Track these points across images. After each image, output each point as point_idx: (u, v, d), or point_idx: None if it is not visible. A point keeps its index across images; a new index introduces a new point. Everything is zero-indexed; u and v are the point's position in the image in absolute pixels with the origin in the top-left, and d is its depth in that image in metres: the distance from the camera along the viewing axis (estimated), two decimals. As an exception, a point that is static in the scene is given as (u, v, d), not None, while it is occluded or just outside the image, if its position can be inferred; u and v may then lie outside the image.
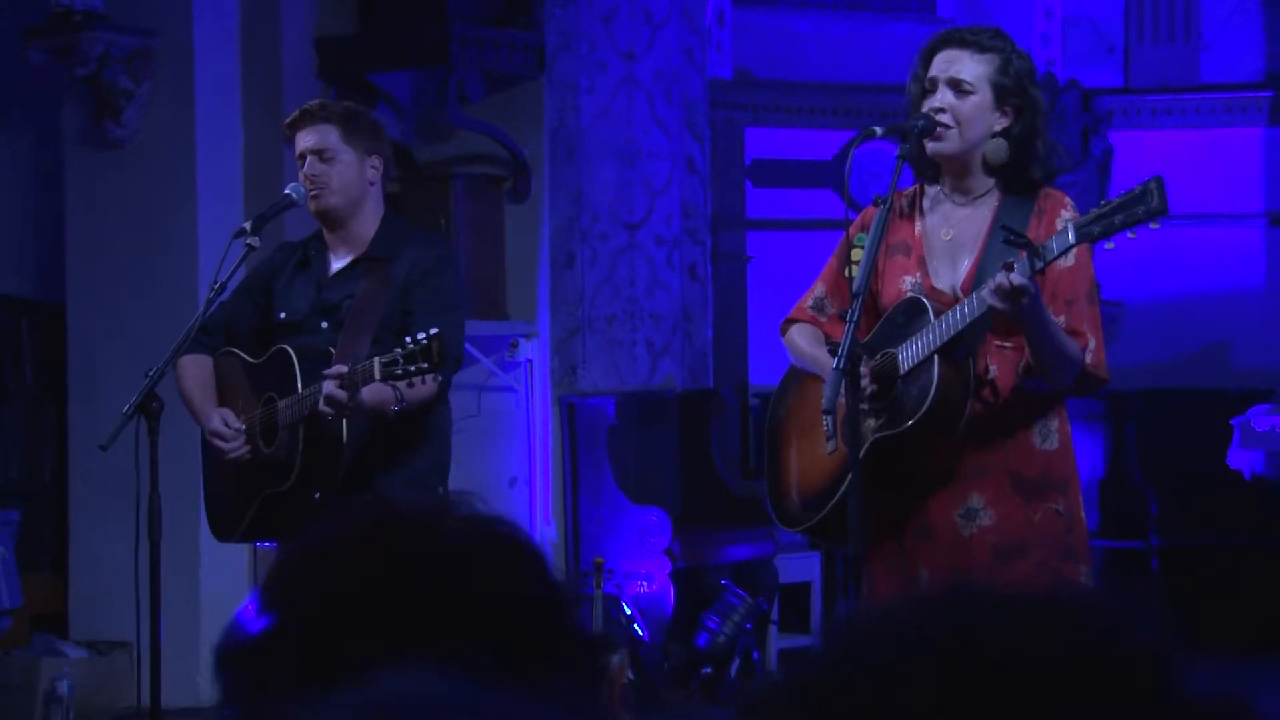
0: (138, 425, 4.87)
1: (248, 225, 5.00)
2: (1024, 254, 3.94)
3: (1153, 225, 3.90)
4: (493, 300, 7.95)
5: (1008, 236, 4.01)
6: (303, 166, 5.03)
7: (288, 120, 5.14)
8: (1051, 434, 4.20)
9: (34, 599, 7.63)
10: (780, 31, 9.76)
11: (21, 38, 7.66)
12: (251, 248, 4.97)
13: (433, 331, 4.50)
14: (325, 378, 4.67)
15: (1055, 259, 3.96)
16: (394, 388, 4.66)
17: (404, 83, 8.05)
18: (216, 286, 4.96)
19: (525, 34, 7.98)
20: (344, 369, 4.63)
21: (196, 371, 5.12)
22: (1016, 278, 3.89)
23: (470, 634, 1.18)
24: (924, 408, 4.08)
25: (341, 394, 4.61)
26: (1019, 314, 3.95)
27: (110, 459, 4.99)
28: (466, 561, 1.21)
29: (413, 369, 4.50)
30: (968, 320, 4.04)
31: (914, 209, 4.32)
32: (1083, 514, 4.27)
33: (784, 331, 4.47)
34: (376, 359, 4.55)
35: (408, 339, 4.53)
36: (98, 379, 7.57)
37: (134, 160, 7.66)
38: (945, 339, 4.07)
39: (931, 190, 4.32)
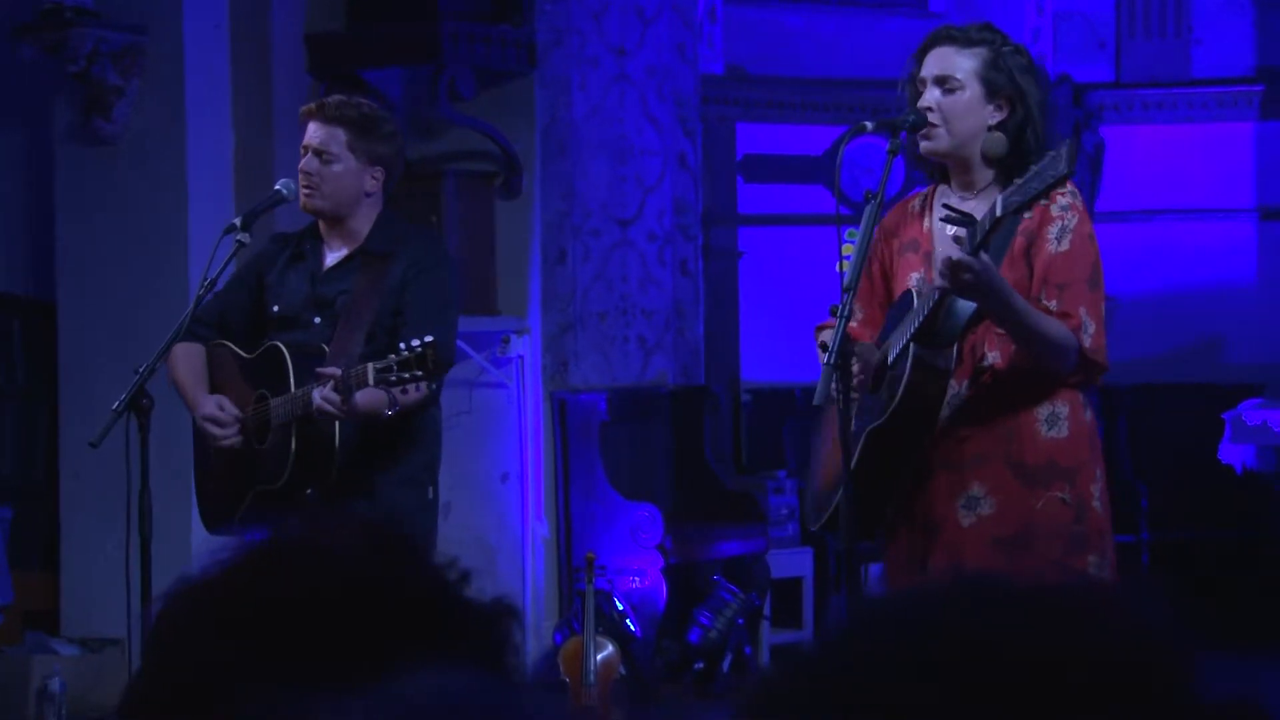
0: (128, 422, 4.86)
1: (238, 221, 4.98)
2: (966, 231, 3.95)
3: (1062, 189, 3.90)
4: (484, 296, 7.94)
5: (947, 214, 4.01)
6: (303, 157, 5.00)
7: (305, 107, 5.09)
8: (1060, 421, 4.16)
9: (26, 596, 7.63)
10: (772, 27, 9.76)
11: (11, 34, 7.65)
12: (242, 244, 4.95)
13: (428, 339, 4.45)
14: (318, 378, 4.64)
15: (990, 234, 3.92)
16: (388, 392, 4.61)
17: (395, 79, 8.05)
18: (207, 283, 4.94)
19: (516, 30, 7.97)
20: (338, 372, 4.57)
21: (188, 359, 5.05)
22: (956, 252, 3.88)
23: (350, 638, 1.20)
24: (896, 399, 4.09)
25: (335, 398, 4.56)
26: (967, 291, 3.93)
27: (101, 456, 4.99)
28: (331, 571, 1.23)
29: (406, 376, 4.46)
30: (929, 306, 4.04)
31: (925, 208, 4.33)
32: (1097, 503, 4.23)
33: (817, 337, 4.43)
34: (371, 365, 4.50)
35: (402, 345, 4.48)
36: (89, 376, 7.56)
37: (124, 157, 7.65)
38: (914, 328, 4.07)
39: (943, 189, 4.32)
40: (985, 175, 4.23)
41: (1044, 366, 4.08)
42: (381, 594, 1.23)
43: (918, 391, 4.09)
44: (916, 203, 4.36)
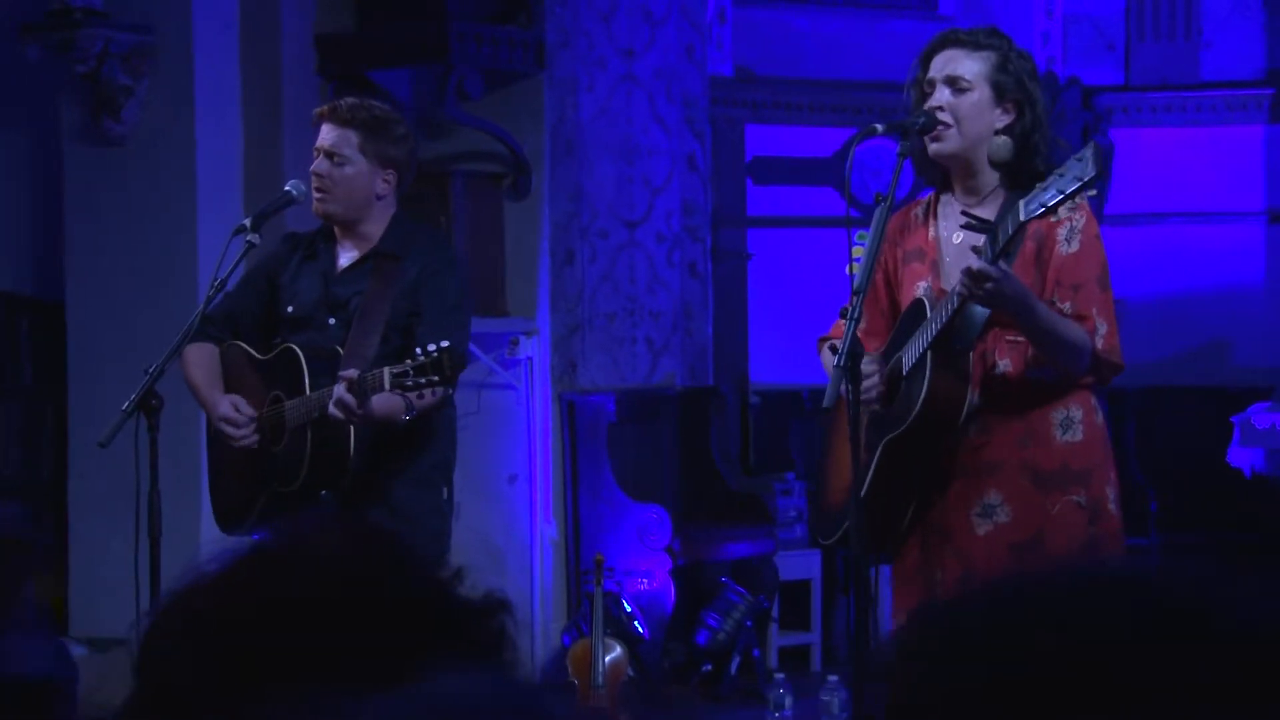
0: (137, 422, 4.86)
1: (247, 222, 4.97)
2: (986, 239, 3.95)
3: (1090, 192, 3.89)
4: (492, 297, 7.94)
5: (967, 222, 4.01)
6: (315, 159, 5.00)
7: (318, 109, 5.08)
8: (1074, 425, 4.17)
9: (33, 595, 7.62)
10: (780, 28, 9.76)
11: (20, 34, 7.65)
12: (251, 245, 4.95)
13: (444, 344, 4.42)
14: (338, 379, 4.62)
15: (1012, 239, 3.93)
16: (404, 397, 4.59)
17: (403, 80, 8.05)
18: (216, 284, 4.93)
19: (525, 31, 7.97)
20: (355, 373, 4.56)
21: (201, 359, 5.04)
22: (976, 262, 3.88)
23: (341, 640, 1.20)
24: (917, 405, 4.07)
25: (351, 400, 4.55)
26: (990, 300, 3.94)
27: (110, 456, 4.98)
28: (318, 574, 1.23)
29: (423, 381, 4.43)
30: (948, 314, 4.03)
31: (929, 216, 4.32)
32: (1112, 505, 4.23)
33: (819, 350, 4.41)
34: (387, 369, 4.48)
35: (418, 350, 4.46)
36: (97, 376, 7.57)
37: (133, 157, 7.65)
38: (934, 335, 4.07)
39: (946, 197, 4.31)
40: (990, 180, 4.22)
41: (1059, 368, 4.09)
42: (370, 595, 1.23)
43: (940, 396, 4.08)
44: (919, 210, 4.35)
